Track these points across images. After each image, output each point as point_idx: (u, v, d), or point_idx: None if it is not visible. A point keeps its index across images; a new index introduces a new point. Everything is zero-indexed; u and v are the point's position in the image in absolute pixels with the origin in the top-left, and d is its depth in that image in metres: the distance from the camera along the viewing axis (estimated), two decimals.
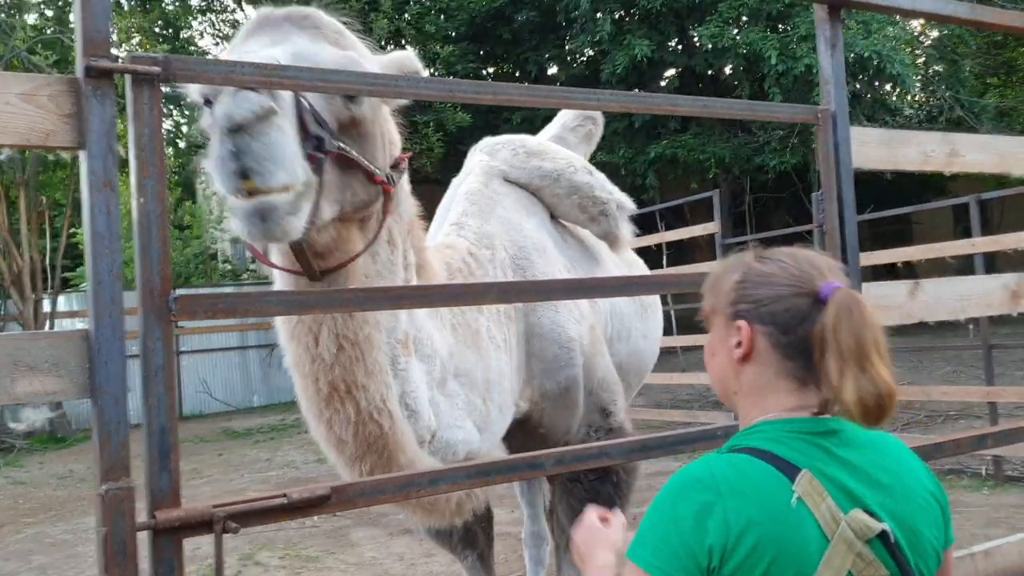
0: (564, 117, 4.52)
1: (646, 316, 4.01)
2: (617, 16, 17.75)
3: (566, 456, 2.07)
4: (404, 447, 2.38)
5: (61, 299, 17.50)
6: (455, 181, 3.68)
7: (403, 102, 2.52)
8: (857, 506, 1.36)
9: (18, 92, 1.56)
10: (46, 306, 16.39)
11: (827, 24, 2.53)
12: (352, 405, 2.28)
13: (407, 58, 2.37)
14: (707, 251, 11.03)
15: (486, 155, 3.66)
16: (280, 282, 2.30)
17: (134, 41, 18.25)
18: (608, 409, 3.35)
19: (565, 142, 4.28)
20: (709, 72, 18.04)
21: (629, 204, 3.81)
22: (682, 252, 14.44)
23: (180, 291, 1.69)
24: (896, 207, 10.93)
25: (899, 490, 1.45)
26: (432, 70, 21.94)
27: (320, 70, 1.80)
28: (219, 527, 1.66)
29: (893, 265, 19.19)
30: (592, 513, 1.66)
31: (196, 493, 9.71)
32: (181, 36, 18.91)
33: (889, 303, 2.68)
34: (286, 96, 1.79)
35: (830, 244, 2.51)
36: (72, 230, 16.28)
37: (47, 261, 16.23)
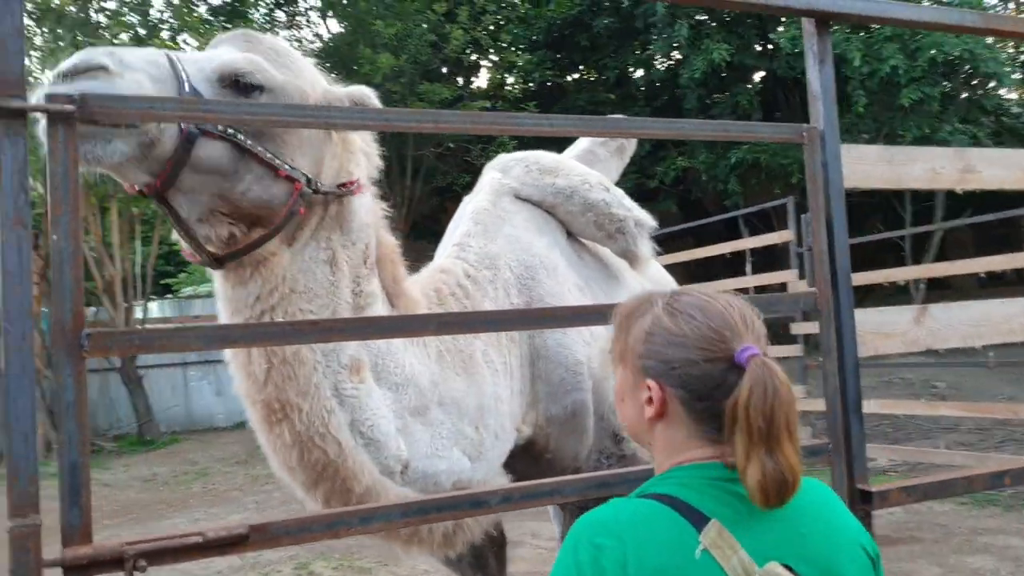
0: None
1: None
2: (695, 21, 17.51)
3: (514, 494, 2.00)
4: (358, 476, 2.37)
5: (153, 306, 18.18)
6: (466, 199, 3.64)
7: (362, 142, 2.65)
8: (774, 558, 1.28)
9: None
10: (137, 313, 17.05)
11: (815, 38, 2.40)
12: (288, 427, 2.31)
13: (364, 95, 2.48)
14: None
15: (499, 172, 3.61)
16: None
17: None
18: (620, 435, 3.25)
19: (595, 155, 4.19)
20: (791, 76, 17.60)
21: (649, 221, 3.71)
22: (770, 258, 14.06)
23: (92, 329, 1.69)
24: (1002, 210, 10.44)
25: (823, 540, 1.37)
26: (511, 79, 22.04)
27: (241, 104, 1.78)
28: (129, 565, 1.65)
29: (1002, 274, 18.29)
30: None
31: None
32: None
33: (891, 330, 2.54)
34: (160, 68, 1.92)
35: (818, 267, 2.38)
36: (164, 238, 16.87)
37: (138, 269, 16.85)
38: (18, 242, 1.61)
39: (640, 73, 21.81)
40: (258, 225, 2.32)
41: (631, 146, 4.56)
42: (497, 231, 3.31)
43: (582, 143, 4.46)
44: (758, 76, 20.13)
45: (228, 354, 2.36)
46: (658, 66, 21.00)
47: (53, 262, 1.64)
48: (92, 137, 1.93)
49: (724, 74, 18.03)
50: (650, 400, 1.39)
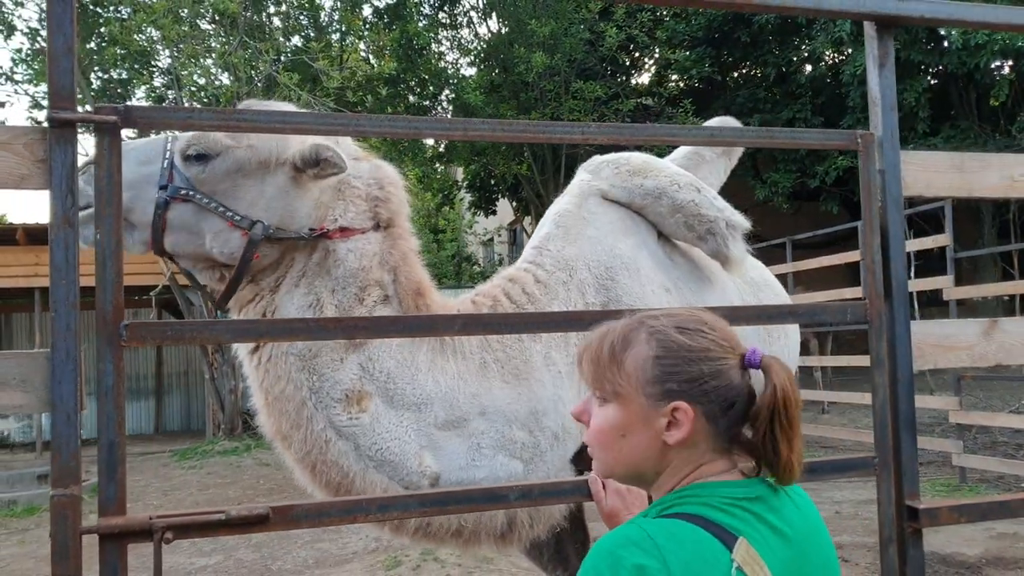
0: None
1: (771, 340, 3.80)
2: None
3: (533, 490, 2.04)
4: (373, 493, 2.58)
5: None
6: (555, 200, 3.67)
7: (333, 179, 2.76)
8: (788, 574, 1.33)
9: None
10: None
11: (876, 42, 2.30)
12: (292, 452, 2.62)
13: (324, 147, 2.65)
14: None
15: (588, 174, 3.62)
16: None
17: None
18: None
19: (700, 156, 4.14)
20: (963, 71, 16.54)
21: (742, 222, 3.62)
22: (930, 262, 13.32)
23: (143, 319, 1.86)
24: None
25: (818, 555, 1.41)
26: (673, 76, 21.78)
27: (273, 112, 1.91)
28: (157, 536, 1.81)
29: None
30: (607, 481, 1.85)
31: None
32: (424, 52, 19.94)
33: (955, 343, 2.41)
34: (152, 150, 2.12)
35: (870, 280, 2.29)
36: None
37: None
38: (66, 240, 1.79)
39: (802, 70, 21.07)
40: (235, 272, 2.67)
41: (739, 148, 4.47)
42: (579, 233, 3.32)
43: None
44: (930, 73, 19.12)
45: None
46: (821, 62, 20.25)
47: (97, 259, 1.82)
48: (87, 222, 2.16)
49: None
50: (671, 424, 1.38)
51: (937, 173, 2.40)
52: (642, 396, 1.39)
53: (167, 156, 2.59)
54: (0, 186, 1.81)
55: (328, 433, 2.59)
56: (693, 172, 3.77)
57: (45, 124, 1.81)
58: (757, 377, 1.42)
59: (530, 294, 3.06)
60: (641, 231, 3.49)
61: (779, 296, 4.10)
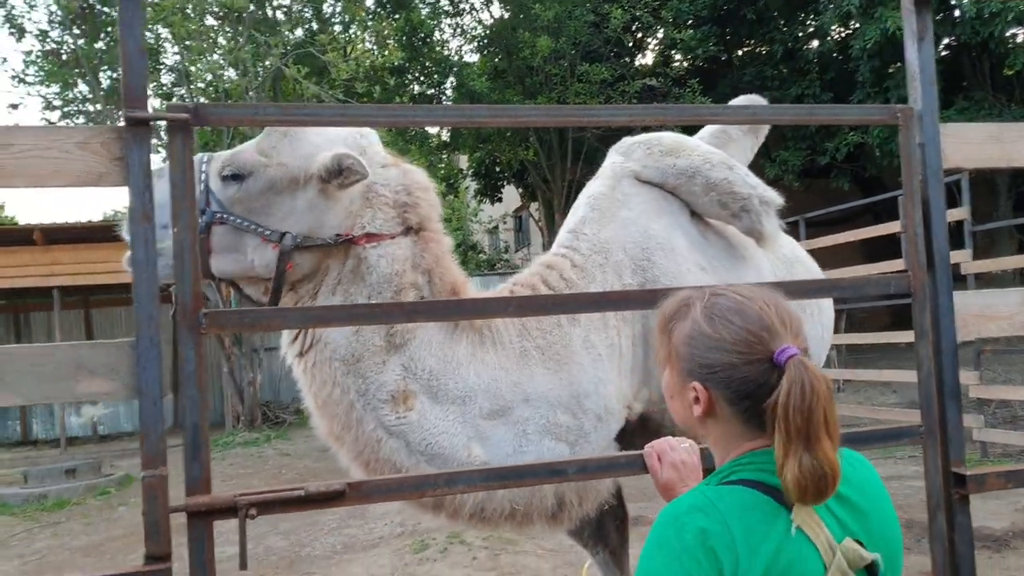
0: None
1: (804, 317, 3.86)
2: None
3: (590, 464, 2.12)
4: None
5: None
6: (588, 184, 3.73)
7: (360, 185, 2.81)
8: (848, 535, 1.38)
9: (76, 141, 1.87)
10: None
11: (914, 15, 2.36)
12: (342, 449, 2.78)
13: (344, 155, 2.69)
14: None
15: (620, 156, 3.66)
16: None
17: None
18: None
19: (727, 134, 4.17)
20: (976, 40, 16.46)
21: (775, 198, 3.67)
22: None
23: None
24: None
25: (878, 517, 1.46)
26: (677, 56, 21.74)
27: (333, 106, 1.98)
28: (242, 513, 1.89)
29: None
30: (666, 446, 1.92)
31: None
32: (428, 40, 19.94)
33: (997, 312, 2.47)
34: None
35: (912, 251, 2.36)
36: None
37: None
38: (145, 234, 1.87)
39: (809, 46, 21.01)
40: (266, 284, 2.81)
41: (765, 125, 4.52)
42: (614, 215, 3.38)
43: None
44: (942, 43, 19.04)
45: None
46: (829, 38, 20.19)
47: (175, 251, 1.90)
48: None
49: (899, 43, 17.09)
50: (696, 400, 1.47)
51: (975, 145, 2.46)
52: (676, 367, 1.51)
53: (203, 179, 2.70)
54: (80, 184, 1.89)
55: (379, 433, 2.71)
56: (721, 150, 3.82)
57: (121, 124, 1.89)
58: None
59: (568, 279, 3.13)
60: (675, 210, 3.54)
61: (811, 271, 4.14)
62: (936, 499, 2.31)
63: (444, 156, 24.64)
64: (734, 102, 3.84)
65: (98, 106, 16.50)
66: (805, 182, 21.81)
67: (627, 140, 3.75)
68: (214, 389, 20.33)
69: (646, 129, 3.76)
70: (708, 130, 4.30)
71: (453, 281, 2.94)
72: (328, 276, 2.82)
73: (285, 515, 9.91)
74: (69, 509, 10.65)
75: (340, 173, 2.69)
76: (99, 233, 15.74)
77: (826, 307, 4.13)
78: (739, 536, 1.31)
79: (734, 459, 1.47)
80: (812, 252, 12.46)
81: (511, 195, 28.73)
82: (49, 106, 17.07)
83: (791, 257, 4.15)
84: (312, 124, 1.99)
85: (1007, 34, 16.16)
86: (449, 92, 21.64)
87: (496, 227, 34.16)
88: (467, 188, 28.96)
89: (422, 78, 21.31)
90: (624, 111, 2.19)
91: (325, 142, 2.78)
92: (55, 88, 16.98)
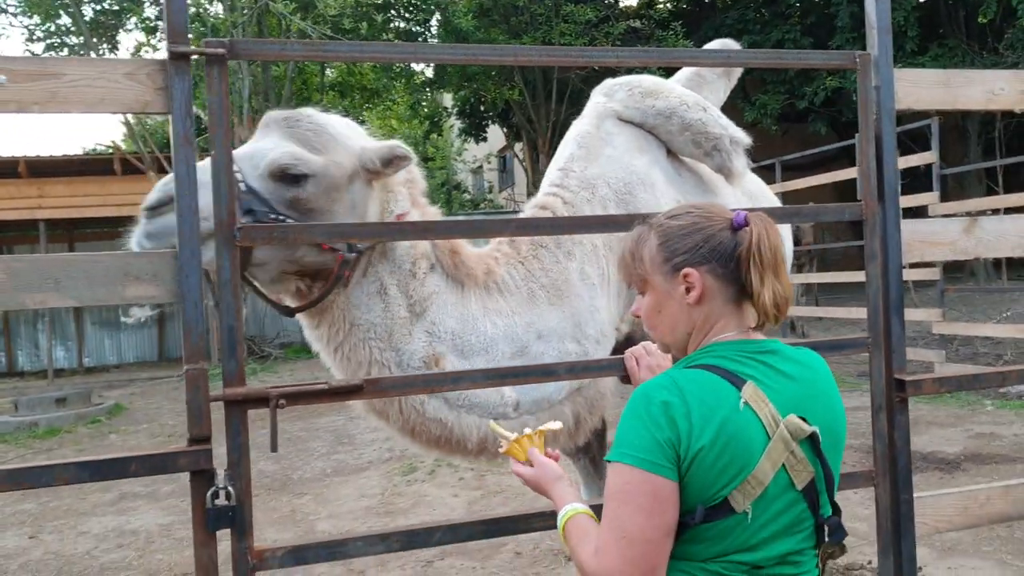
0: None
1: None
2: None
3: (577, 366, 2.42)
4: (468, 438, 2.94)
5: None
6: (574, 123, 3.98)
7: (404, 172, 2.98)
8: (792, 411, 1.67)
9: (124, 72, 2.10)
10: None
11: None
12: (387, 421, 2.95)
13: (396, 145, 2.85)
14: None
15: (603, 96, 3.92)
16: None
17: None
18: None
19: (701, 77, 4.44)
20: None
21: (744, 138, 3.94)
22: (917, 180, 13.68)
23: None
24: None
25: (824, 400, 1.76)
26: None
27: (352, 43, 2.22)
28: (273, 403, 2.17)
29: None
30: (643, 351, 2.29)
31: None
32: None
33: (940, 239, 2.76)
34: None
35: (865, 182, 2.63)
36: None
37: None
38: (186, 156, 2.12)
39: None
40: (318, 279, 2.84)
41: (737, 68, 4.77)
42: (599, 153, 3.65)
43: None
44: None
45: None
46: None
47: (212, 174, 2.14)
48: (153, 217, 2.53)
49: None
50: (688, 288, 1.76)
51: (925, 88, 2.73)
52: (660, 276, 1.80)
53: (240, 178, 2.57)
54: (128, 110, 2.14)
55: (420, 397, 2.89)
56: (696, 92, 4.08)
57: (166, 56, 2.12)
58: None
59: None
60: (653, 149, 3.82)
61: (774, 204, 4.46)
62: (879, 401, 2.63)
63: (428, 93, 24.63)
64: (709, 46, 4.09)
65: (81, 38, 16.38)
66: (783, 127, 22.05)
67: (609, 81, 4.00)
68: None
69: (629, 71, 4.00)
70: (684, 73, 4.56)
71: (452, 243, 3.14)
72: (359, 263, 2.90)
73: (291, 431, 10.15)
74: (60, 437, 10.91)
75: (391, 162, 2.83)
76: (85, 166, 15.76)
77: (786, 238, 4.44)
78: (694, 408, 1.60)
79: (700, 348, 1.77)
80: (788, 194, 12.74)
81: (496, 135, 28.76)
82: (31, 37, 16.94)
83: (756, 193, 4.45)
84: (334, 59, 2.21)
85: None
86: (434, 30, 21.60)
87: (480, 167, 34.21)
88: (451, 127, 28.94)
89: (407, 15, 21.23)
90: (611, 52, 2.44)
91: (354, 134, 2.92)
92: (36, 19, 16.82)
